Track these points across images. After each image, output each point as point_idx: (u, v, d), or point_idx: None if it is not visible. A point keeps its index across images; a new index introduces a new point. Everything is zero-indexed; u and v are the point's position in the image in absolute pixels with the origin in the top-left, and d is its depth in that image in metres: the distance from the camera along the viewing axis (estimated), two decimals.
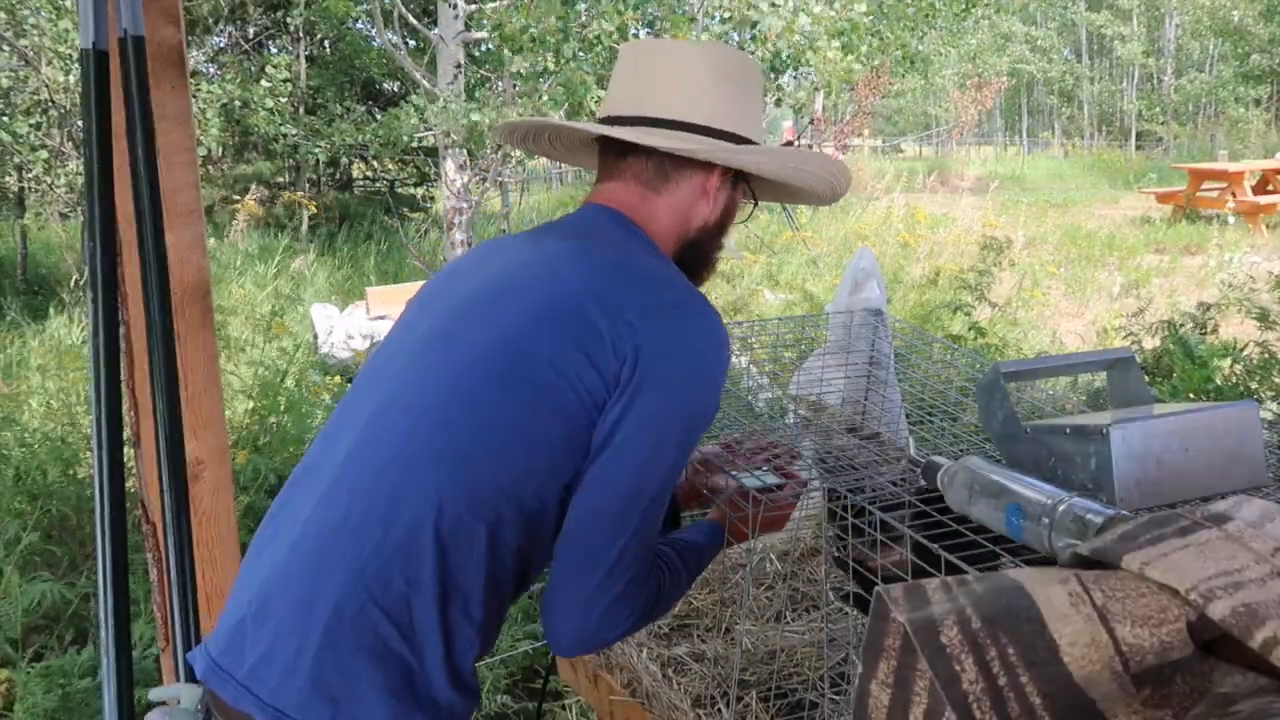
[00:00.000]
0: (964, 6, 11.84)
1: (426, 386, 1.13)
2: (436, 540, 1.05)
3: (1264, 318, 3.97)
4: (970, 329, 5.27)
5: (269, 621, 1.07)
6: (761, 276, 8.17)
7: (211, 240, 6.54)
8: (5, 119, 7.40)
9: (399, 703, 1.05)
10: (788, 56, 7.89)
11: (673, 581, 1.20)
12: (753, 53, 7.73)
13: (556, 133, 1.42)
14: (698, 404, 1.14)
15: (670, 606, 1.22)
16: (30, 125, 7.51)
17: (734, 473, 1.39)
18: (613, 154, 1.30)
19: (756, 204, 1.40)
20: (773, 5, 7.54)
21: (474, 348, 1.12)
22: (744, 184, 1.33)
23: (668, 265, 1.24)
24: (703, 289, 1.29)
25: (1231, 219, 11.31)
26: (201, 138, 8.24)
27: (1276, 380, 3.48)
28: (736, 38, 8.35)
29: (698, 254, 1.31)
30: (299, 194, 6.90)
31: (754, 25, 7.59)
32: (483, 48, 8.80)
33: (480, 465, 1.07)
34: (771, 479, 1.38)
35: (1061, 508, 0.93)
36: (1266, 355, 3.57)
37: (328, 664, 1.03)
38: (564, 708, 2.67)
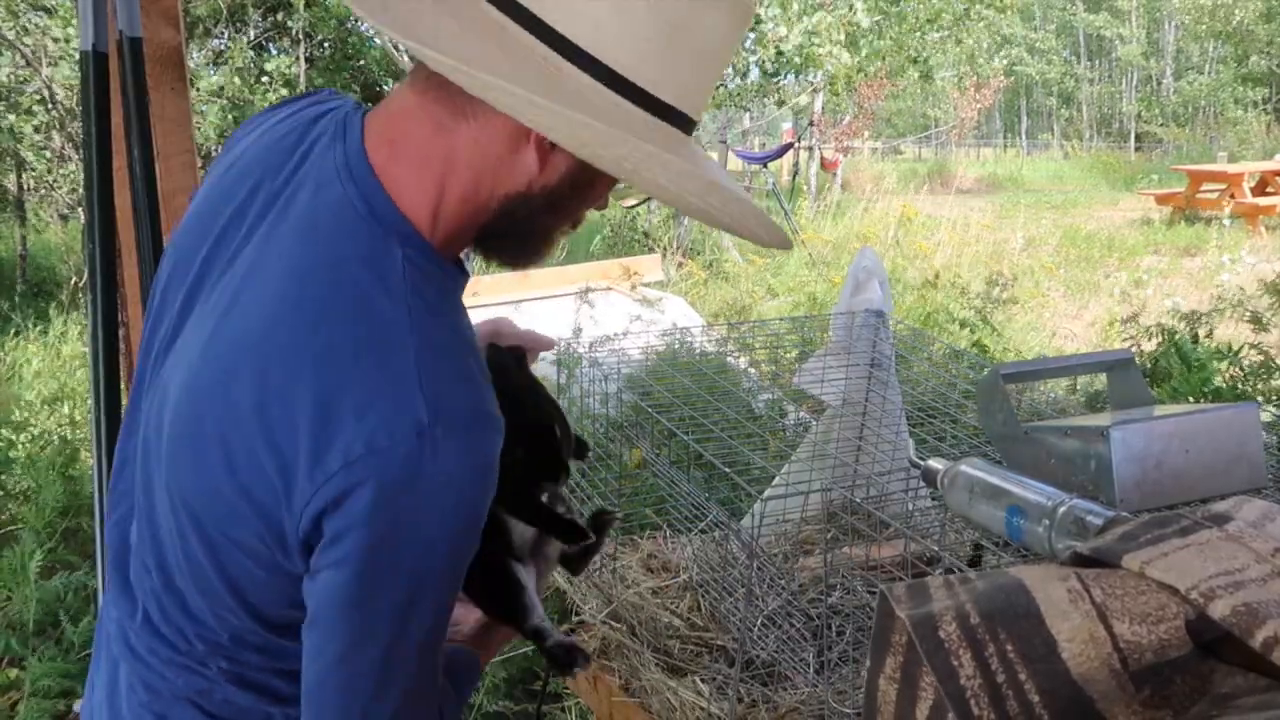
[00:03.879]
0: (965, 7, 11.87)
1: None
2: None
3: (1257, 321, 3.99)
4: (973, 345, 5.29)
5: None
6: (761, 278, 8.18)
7: None
8: (11, 118, 7.40)
9: None
10: (793, 58, 7.90)
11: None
12: (754, 55, 7.74)
13: None
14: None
15: None
16: (32, 126, 7.52)
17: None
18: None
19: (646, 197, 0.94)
20: (781, 8, 7.55)
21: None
22: None
23: (386, 333, 0.81)
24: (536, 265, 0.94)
25: (1228, 221, 11.32)
26: (200, 125, 8.22)
27: (1275, 383, 3.49)
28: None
29: (513, 225, 0.89)
30: None
31: (758, 24, 7.59)
32: None
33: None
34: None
35: (1062, 509, 0.94)
36: (1262, 358, 3.58)
37: None
38: (563, 709, 2.67)
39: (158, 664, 0.95)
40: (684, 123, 0.86)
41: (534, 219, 0.89)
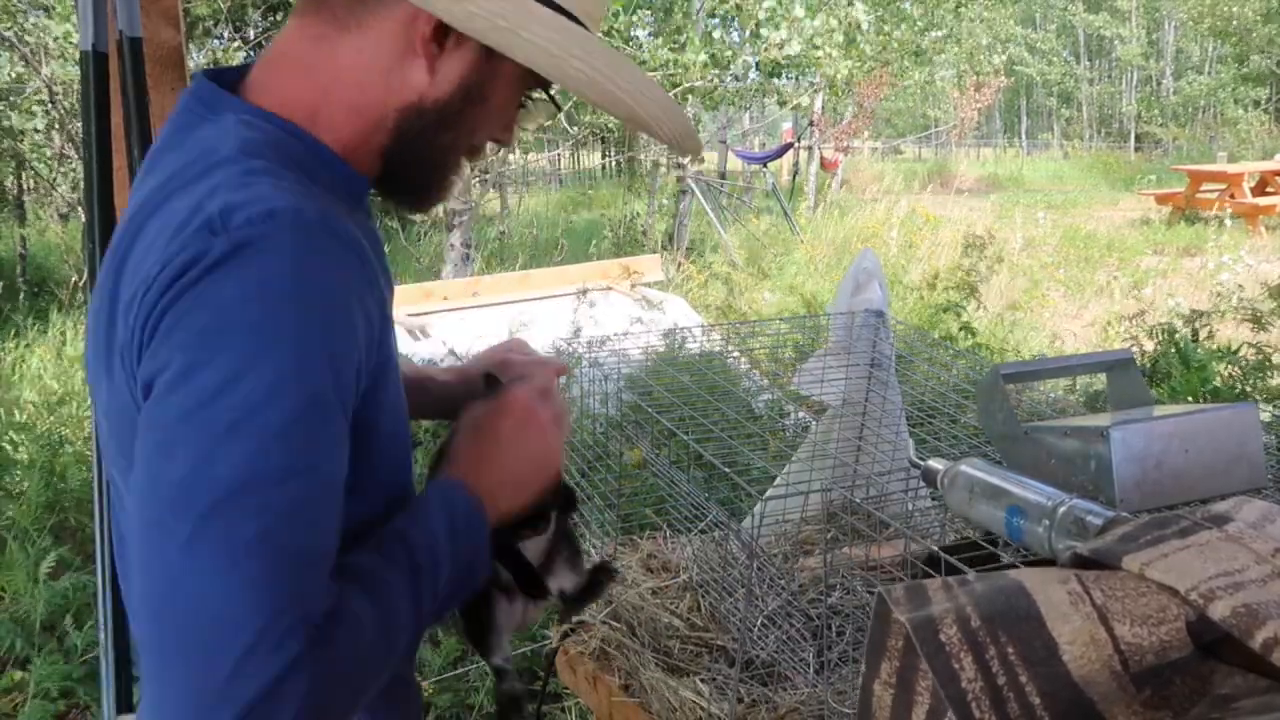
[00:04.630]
0: (957, 5, 11.91)
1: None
2: None
3: (1257, 320, 4.00)
4: (961, 329, 5.27)
5: None
6: (760, 278, 8.19)
7: None
8: (12, 115, 7.40)
9: None
10: (789, 62, 7.89)
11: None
12: (756, 59, 7.73)
13: None
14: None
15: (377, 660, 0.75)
16: (33, 126, 7.53)
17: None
18: None
19: (555, 104, 0.91)
20: (776, 13, 7.55)
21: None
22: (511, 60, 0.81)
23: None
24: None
25: (1228, 221, 11.32)
26: None
27: (1273, 383, 3.49)
28: (738, 38, 8.36)
29: (410, 146, 0.85)
30: None
31: (758, 26, 7.59)
32: None
33: None
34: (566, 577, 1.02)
35: (1061, 509, 0.93)
36: (1261, 357, 3.59)
37: None
38: (563, 710, 2.67)
39: None
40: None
41: (430, 137, 0.85)
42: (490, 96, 0.85)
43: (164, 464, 0.67)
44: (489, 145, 0.92)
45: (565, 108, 7.07)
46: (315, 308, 0.71)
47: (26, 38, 7.19)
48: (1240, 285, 5.49)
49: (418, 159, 0.86)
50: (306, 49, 0.83)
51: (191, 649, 0.65)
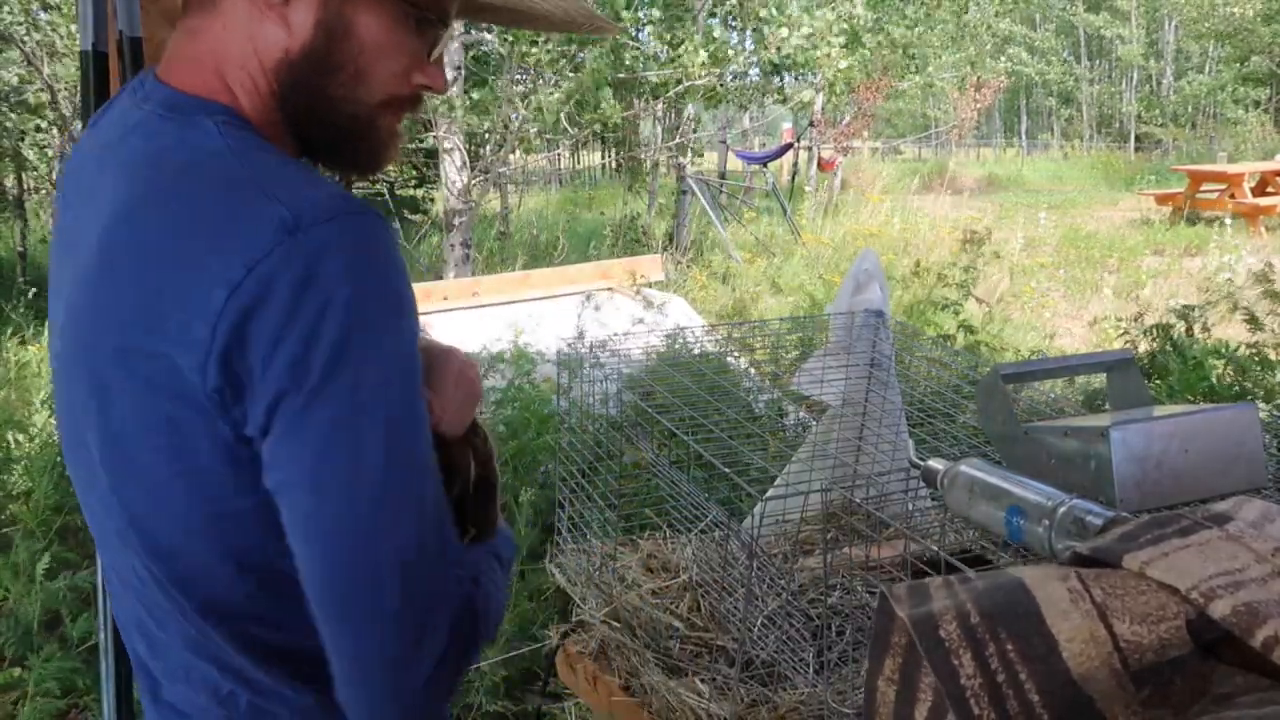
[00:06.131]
0: (961, 6, 11.90)
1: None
2: None
3: (1252, 319, 4.01)
4: (960, 327, 5.24)
5: None
6: (761, 278, 8.19)
7: None
8: (14, 117, 7.40)
9: None
10: (790, 60, 7.89)
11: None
12: (755, 58, 7.73)
13: None
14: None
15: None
16: (34, 126, 7.53)
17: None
18: None
19: (443, 22, 0.89)
20: (779, 10, 7.55)
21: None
22: None
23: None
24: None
25: (1229, 221, 11.32)
26: None
27: (1268, 380, 3.50)
28: (736, 39, 8.36)
29: (307, 105, 0.84)
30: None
31: (761, 24, 7.59)
32: (483, 48, 8.79)
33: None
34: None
35: (1061, 509, 0.94)
36: (1257, 355, 3.59)
37: None
38: (563, 710, 2.67)
39: (190, 709, 0.89)
40: None
41: (315, 89, 0.84)
42: (356, 29, 0.83)
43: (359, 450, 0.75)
44: (425, 95, 0.90)
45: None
46: (401, 293, 0.80)
47: (25, 39, 7.19)
48: (1231, 279, 5.49)
49: (316, 116, 0.85)
50: (190, 46, 0.85)
51: (414, 567, 0.78)
